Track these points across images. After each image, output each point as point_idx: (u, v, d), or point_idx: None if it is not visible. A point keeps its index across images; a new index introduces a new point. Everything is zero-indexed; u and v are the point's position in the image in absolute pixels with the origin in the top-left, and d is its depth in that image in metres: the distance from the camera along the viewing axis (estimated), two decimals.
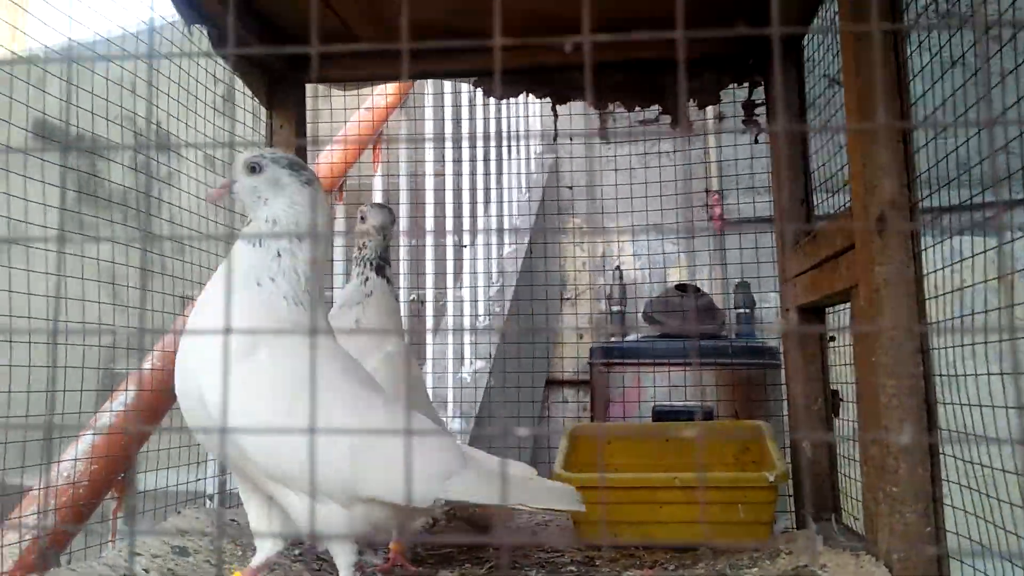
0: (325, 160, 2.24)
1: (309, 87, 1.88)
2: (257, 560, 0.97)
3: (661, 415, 2.99)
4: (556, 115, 1.78)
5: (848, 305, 1.41)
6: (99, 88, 1.55)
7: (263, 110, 1.80)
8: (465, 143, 3.02)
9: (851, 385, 1.42)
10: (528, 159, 3.93)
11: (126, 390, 1.52)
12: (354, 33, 1.69)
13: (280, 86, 1.74)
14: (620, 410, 3.49)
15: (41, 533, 1.24)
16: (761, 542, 1.25)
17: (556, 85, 1.71)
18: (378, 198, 2.44)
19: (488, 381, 3.00)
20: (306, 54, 1.73)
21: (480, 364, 3.05)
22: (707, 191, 4.10)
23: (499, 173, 3.47)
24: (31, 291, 1.37)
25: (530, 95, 1.75)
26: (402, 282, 2.49)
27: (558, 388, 4.33)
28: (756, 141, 1.70)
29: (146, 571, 1.06)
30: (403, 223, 2.61)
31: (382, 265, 1.41)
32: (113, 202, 1.78)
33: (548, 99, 1.76)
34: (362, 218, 1.42)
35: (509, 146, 3.65)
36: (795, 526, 1.55)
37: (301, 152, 1.75)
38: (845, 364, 1.45)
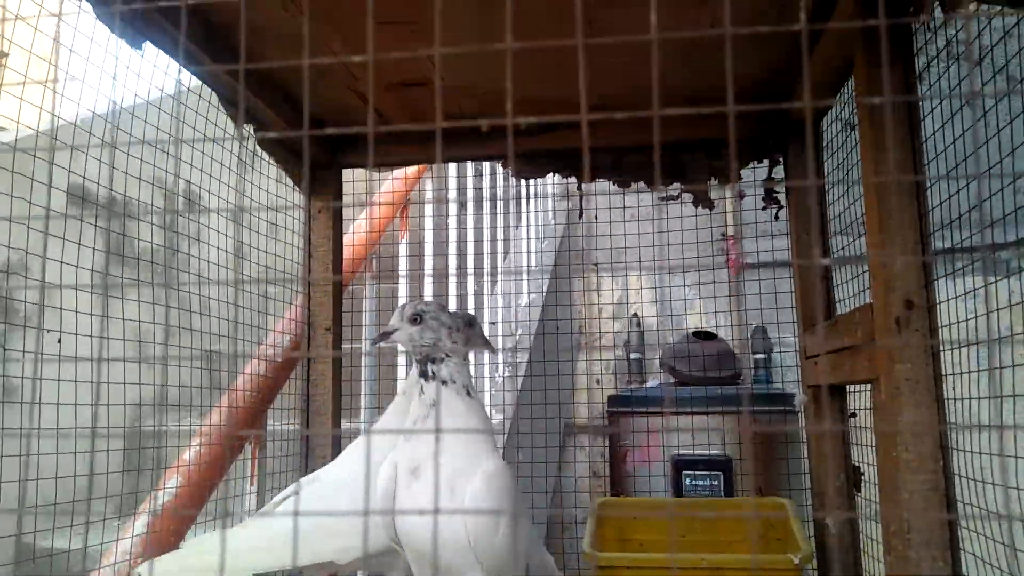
0: (360, 232, 2.31)
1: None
2: None
3: (681, 464, 3.03)
4: (582, 194, 1.85)
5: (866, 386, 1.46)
6: (132, 151, 1.62)
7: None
8: (487, 202, 3.09)
9: (871, 467, 1.47)
10: (545, 210, 4.01)
11: (166, 488, 1.57)
12: (391, 124, 1.77)
13: (318, 173, 1.82)
14: (639, 458, 3.53)
15: None
16: None
17: (581, 167, 1.78)
18: (403, 264, 2.51)
19: (507, 428, 3.04)
20: (341, 142, 1.81)
21: (499, 417, 3.10)
22: (723, 235, 4.16)
23: (517, 225, 3.54)
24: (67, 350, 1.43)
25: (556, 176, 1.82)
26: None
27: (576, 435, 4.37)
28: (777, 218, 1.76)
29: None
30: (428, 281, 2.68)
31: (425, 369, 1.20)
32: (142, 260, 1.84)
33: (573, 179, 1.83)
34: None
35: (528, 199, 3.72)
36: None
37: (338, 238, 1.82)
38: (866, 445, 1.49)
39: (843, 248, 1.59)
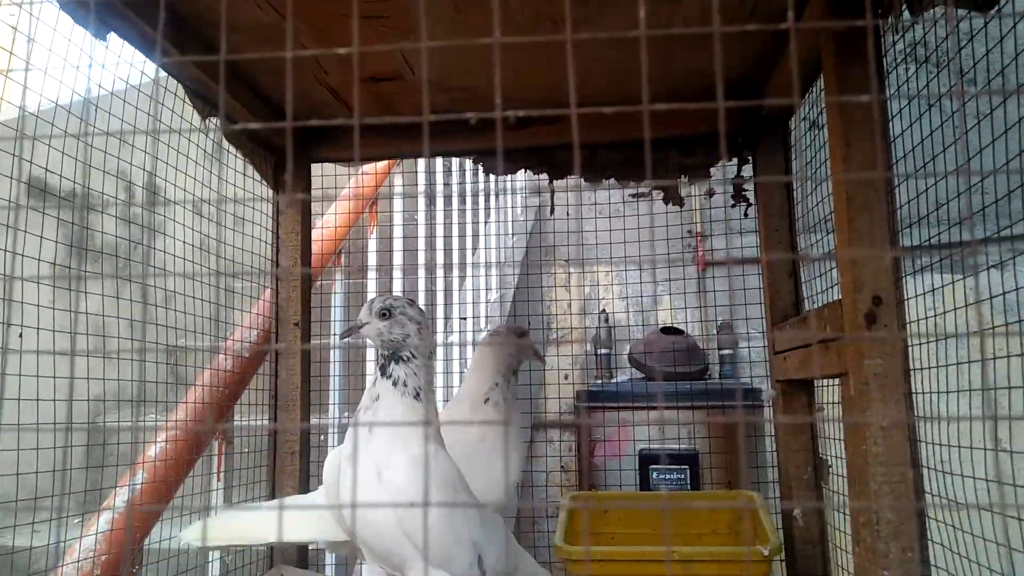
0: (328, 226, 2.29)
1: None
2: None
3: (647, 458, 3.06)
4: (553, 191, 1.85)
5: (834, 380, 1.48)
6: (95, 143, 1.58)
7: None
8: (455, 197, 3.09)
9: (839, 459, 1.49)
10: (514, 206, 4.01)
11: (128, 485, 1.55)
12: (362, 119, 1.75)
13: (285, 168, 1.79)
14: (605, 452, 3.56)
15: None
16: None
17: (553, 163, 1.78)
18: (372, 260, 2.50)
19: None
20: (311, 136, 1.79)
21: None
22: (690, 232, 4.20)
23: (486, 218, 3.54)
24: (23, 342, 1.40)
25: (528, 172, 1.82)
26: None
27: (543, 429, 4.38)
28: (746, 216, 1.77)
29: None
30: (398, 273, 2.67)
31: (386, 365, 1.20)
32: (104, 252, 1.80)
33: (545, 176, 1.83)
34: None
35: (497, 196, 3.72)
36: None
37: (306, 232, 1.80)
38: (832, 438, 1.51)
39: (811, 245, 1.61)
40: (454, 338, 3.03)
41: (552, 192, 1.84)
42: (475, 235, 3.39)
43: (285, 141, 1.75)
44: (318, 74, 1.56)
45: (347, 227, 2.31)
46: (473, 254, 3.46)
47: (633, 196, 1.87)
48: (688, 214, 4.06)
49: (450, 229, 3.00)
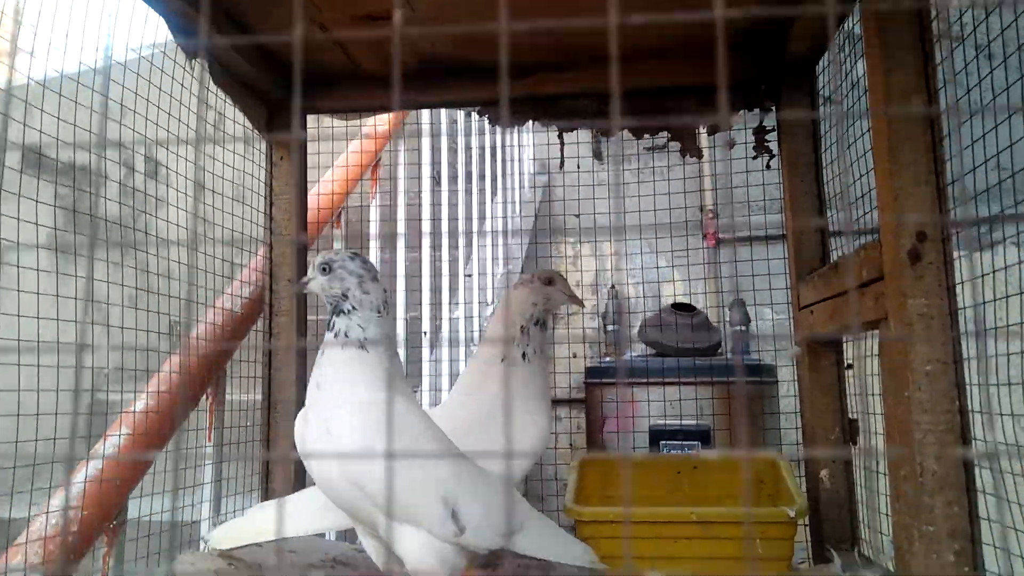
0: (326, 190, 2.20)
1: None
2: None
3: (658, 435, 2.97)
4: (563, 143, 1.75)
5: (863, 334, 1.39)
6: (88, 117, 1.50)
7: (255, 137, 1.75)
8: (461, 168, 2.99)
9: (872, 415, 1.40)
10: (522, 185, 3.93)
11: (119, 433, 1.46)
12: (359, 66, 1.66)
13: (280, 117, 1.70)
14: (615, 428, 3.47)
15: None
16: None
17: (561, 113, 1.68)
18: (374, 228, 2.41)
19: None
20: (307, 85, 1.69)
21: None
22: (701, 209, 4.10)
23: (492, 196, 3.45)
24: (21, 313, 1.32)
25: (535, 123, 1.72)
26: (400, 300, 2.46)
27: (557, 407, 4.31)
28: (768, 167, 1.68)
29: None
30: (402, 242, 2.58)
31: (330, 319, 1.14)
32: (104, 226, 1.72)
33: (554, 127, 1.73)
34: None
35: (504, 171, 3.63)
36: (810, 557, 1.51)
37: (302, 184, 1.71)
38: (866, 394, 1.42)
39: (837, 194, 1.51)
40: (459, 311, 2.95)
41: (562, 145, 1.75)
42: (481, 216, 3.30)
43: (277, 90, 1.65)
44: (310, 11, 1.46)
45: (345, 193, 2.21)
46: (479, 229, 3.37)
47: (648, 150, 1.77)
48: (699, 195, 3.97)
49: (455, 206, 2.91)
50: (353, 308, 1.11)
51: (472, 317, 3.01)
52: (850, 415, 1.45)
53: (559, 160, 1.74)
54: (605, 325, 4.15)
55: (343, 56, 1.62)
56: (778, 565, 1.29)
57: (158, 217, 1.75)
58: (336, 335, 1.11)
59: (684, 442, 2.98)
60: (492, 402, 1.40)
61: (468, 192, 3.08)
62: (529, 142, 4.13)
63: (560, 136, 1.73)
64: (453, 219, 2.93)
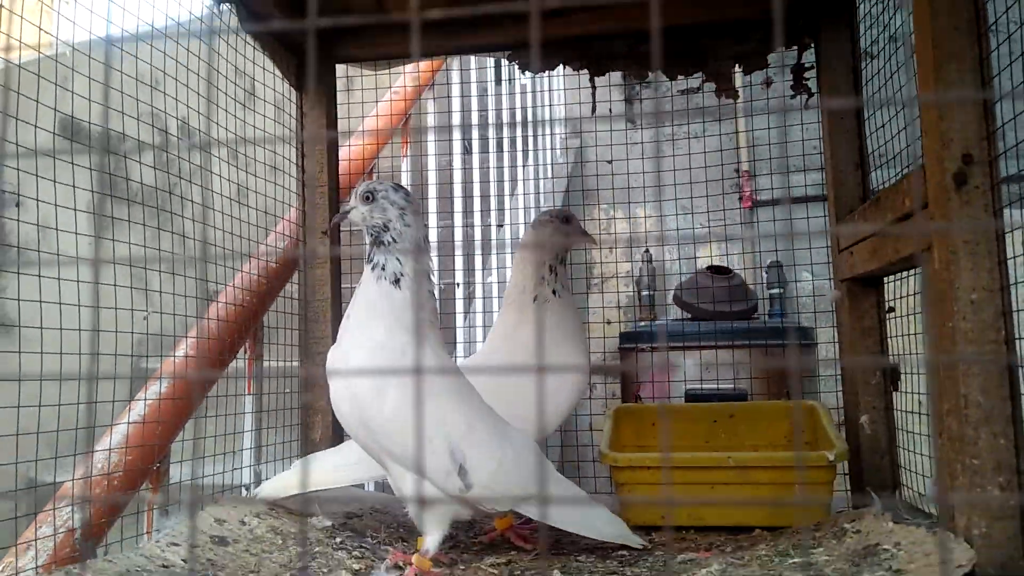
0: (356, 143, 2.19)
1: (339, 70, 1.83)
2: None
3: (693, 398, 2.93)
4: (594, 86, 1.71)
5: (904, 274, 1.35)
6: (125, 86, 1.50)
7: (288, 103, 1.75)
8: (492, 129, 2.97)
9: (913, 356, 1.36)
10: (553, 146, 3.89)
11: (160, 378, 1.48)
12: (387, 11, 1.64)
13: (309, 66, 1.69)
14: (650, 393, 3.44)
15: (76, 526, 1.20)
16: (819, 523, 1.18)
17: (593, 56, 1.65)
18: (406, 181, 2.40)
19: None
20: (335, 33, 1.68)
21: None
22: (737, 171, 4.03)
23: (524, 160, 3.42)
24: (62, 287, 1.33)
25: (567, 67, 1.69)
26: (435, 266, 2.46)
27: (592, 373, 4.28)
28: (806, 107, 1.63)
29: (184, 561, 1.02)
30: (432, 205, 2.57)
31: (370, 251, 1.13)
32: (137, 203, 1.73)
33: (585, 71, 1.70)
34: None
35: (535, 133, 3.59)
36: (850, 504, 1.48)
37: (332, 137, 1.70)
38: (905, 335, 1.38)
39: (879, 129, 1.46)
40: (492, 276, 2.93)
41: (593, 89, 1.71)
42: (512, 176, 3.27)
43: (306, 39, 1.64)
44: None
45: (377, 144, 2.20)
46: (511, 198, 3.35)
47: (682, 92, 1.72)
48: (734, 152, 3.89)
49: (487, 161, 2.88)
50: (393, 240, 1.09)
51: (505, 282, 2.99)
52: (892, 358, 1.41)
53: (591, 106, 1.71)
54: (640, 290, 4.11)
55: (374, 4, 1.60)
56: (817, 511, 1.27)
57: (192, 182, 1.76)
58: (373, 268, 1.09)
59: None
60: (527, 349, 1.39)
61: (499, 156, 3.05)
62: (561, 100, 4.08)
63: (592, 80, 1.70)
64: (484, 182, 2.91)
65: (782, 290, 3.82)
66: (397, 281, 1.08)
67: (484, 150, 2.89)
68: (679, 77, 1.66)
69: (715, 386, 2.87)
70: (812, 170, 3.31)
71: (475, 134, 2.86)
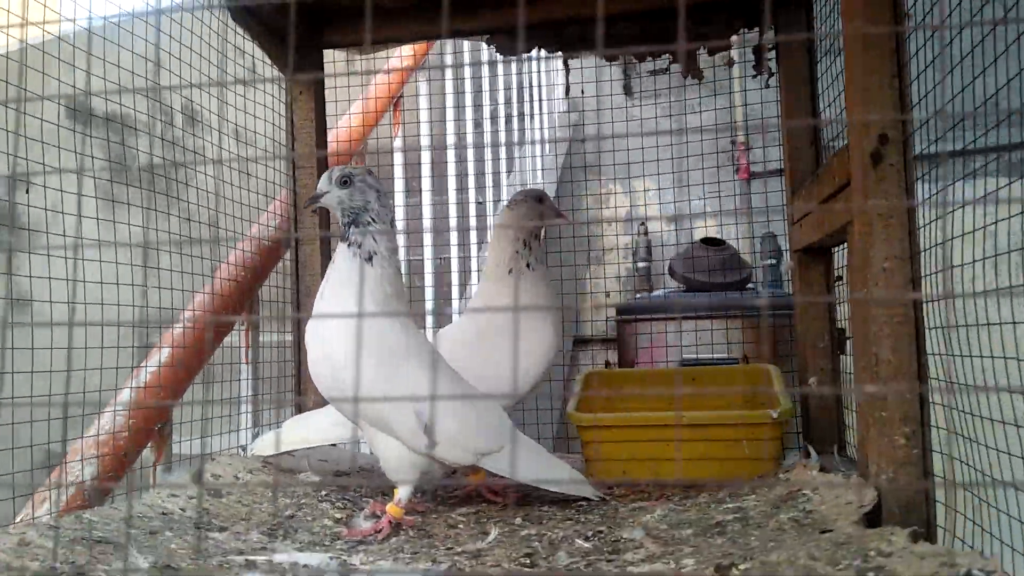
0: (344, 125, 2.28)
1: (328, 54, 1.93)
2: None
3: (689, 367, 3.03)
4: (568, 69, 1.81)
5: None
6: (126, 64, 1.60)
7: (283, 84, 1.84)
8: (486, 104, 3.05)
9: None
10: (551, 116, 3.96)
11: (160, 347, 1.61)
12: None
13: (297, 53, 1.78)
14: (652, 359, 3.55)
15: (86, 480, 1.32)
16: (763, 475, 1.29)
17: (566, 39, 1.73)
18: (398, 160, 2.49)
19: None
20: (321, 19, 1.77)
21: None
22: (732, 142, 4.09)
23: (520, 133, 3.50)
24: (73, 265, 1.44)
25: (542, 50, 1.78)
26: (428, 242, 2.56)
27: (586, 347, 4.39)
28: (767, 86, 1.71)
29: (182, 510, 1.14)
30: (426, 184, 2.67)
31: (345, 231, 1.21)
32: (141, 183, 1.84)
33: (559, 53, 1.79)
34: None
35: (531, 107, 3.66)
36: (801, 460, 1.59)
37: (321, 119, 1.80)
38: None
39: (830, 109, 1.55)
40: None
41: (567, 71, 1.80)
42: (508, 150, 3.35)
43: (293, 25, 1.73)
44: None
45: (366, 127, 2.30)
46: (508, 174, 3.43)
47: (651, 73, 1.81)
48: (730, 128, 3.96)
49: (481, 148, 2.97)
50: (372, 220, 1.19)
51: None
52: (838, 324, 1.51)
53: (566, 87, 1.80)
54: (636, 262, 4.21)
55: None
56: (765, 464, 1.37)
57: (196, 170, 1.87)
58: (349, 245, 1.19)
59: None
60: (503, 316, 1.50)
61: (495, 134, 3.13)
62: (559, 81, 4.15)
63: (565, 63, 1.79)
64: (479, 160, 2.99)
65: (776, 261, 3.90)
66: (370, 258, 1.18)
67: (477, 121, 2.96)
68: (647, 58, 1.75)
69: (715, 355, 2.97)
70: None
71: (468, 109, 2.94)
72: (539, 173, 3.70)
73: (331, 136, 2.18)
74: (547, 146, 3.89)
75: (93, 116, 1.94)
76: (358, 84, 2.26)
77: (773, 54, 1.69)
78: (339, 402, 1.20)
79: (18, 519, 1.25)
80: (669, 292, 3.78)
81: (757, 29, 1.70)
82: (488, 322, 1.53)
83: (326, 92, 1.87)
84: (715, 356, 2.94)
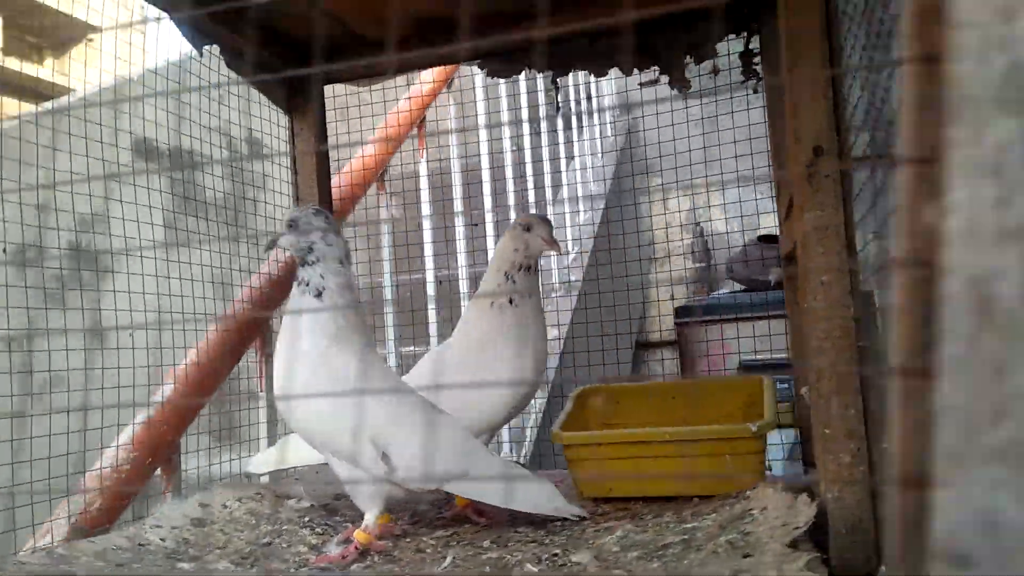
0: (368, 153, 2.36)
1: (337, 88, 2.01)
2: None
3: (748, 369, 2.97)
4: (557, 87, 1.81)
5: None
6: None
7: None
8: (525, 123, 3.08)
9: None
10: (604, 135, 3.97)
11: (162, 384, 1.70)
12: (355, 32, 1.78)
13: (297, 92, 1.85)
14: (707, 366, 3.50)
15: (75, 514, 1.42)
16: (740, 491, 1.27)
17: (556, 57, 1.74)
18: (424, 184, 2.55)
19: (562, 348, 3.03)
20: (314, 58, 1.83)
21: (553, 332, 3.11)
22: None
23: (568, 145, 3.50)
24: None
25: (531, 71, 1.79)
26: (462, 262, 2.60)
27: (653, 350, 4.36)
28: (756, 91, 1.68)
29: (162, 540, 1.21)
30: (458, 205, 2.72)
31: (296, 271, 1.28)
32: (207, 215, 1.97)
33: (550, 72, 1.80)
34: None
35: (580, 119, 3.67)
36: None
37: (322, 154, 1.86)
38: None
39: None
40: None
41: (556, 89, 1.81)
42: (555, 159, 3.37)
43: (288, 66, 1.80)
44: None
45: (387, 155, 2.36)
46: (557, 190, 3.45)
47: (642, 85, 1.80)
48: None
49: (523, 156, 3.00)
50: (317, 260, 1.25)
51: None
52: None
53: (555, 106, 1.80)
54: (694, 263, 4.15)
55: (340, 27, 1.74)
56: (749, 479, 1.34)
57: (258, 200, 2.01)
58: (299, 284, 1.25)
59: (775, 375, 2.98)
60: (471, 347, 1.52)
61: (536, 141, 3.15)
62: (610, 90, 4.15)
63: (554, 81, 1.80)
64: (520, 177, 3.02)
65: None
66: (319, 294, 1.23)
67: (516, 143, 2.99)
68: (635, 72, 1.74)
69: (769, 355, 2.91)
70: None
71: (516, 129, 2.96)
72: (590, 173, 3.70)
73: (346, 167, 2.25)
74: (600, 158, 3.89)
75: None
76: (369, 115, 2.33)
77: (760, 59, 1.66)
78: (303, 435, 1.25)
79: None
80: (727, 293, 3.71)
81: (744, 34, 1.67)
82: (465, 351, 1.54)
83: (328, 125, 1.94)
84: (774, 355, 2.87)
